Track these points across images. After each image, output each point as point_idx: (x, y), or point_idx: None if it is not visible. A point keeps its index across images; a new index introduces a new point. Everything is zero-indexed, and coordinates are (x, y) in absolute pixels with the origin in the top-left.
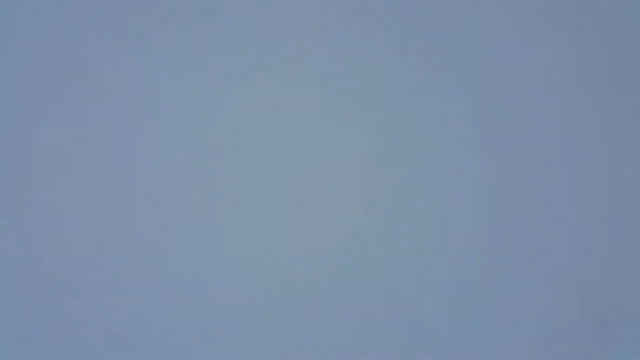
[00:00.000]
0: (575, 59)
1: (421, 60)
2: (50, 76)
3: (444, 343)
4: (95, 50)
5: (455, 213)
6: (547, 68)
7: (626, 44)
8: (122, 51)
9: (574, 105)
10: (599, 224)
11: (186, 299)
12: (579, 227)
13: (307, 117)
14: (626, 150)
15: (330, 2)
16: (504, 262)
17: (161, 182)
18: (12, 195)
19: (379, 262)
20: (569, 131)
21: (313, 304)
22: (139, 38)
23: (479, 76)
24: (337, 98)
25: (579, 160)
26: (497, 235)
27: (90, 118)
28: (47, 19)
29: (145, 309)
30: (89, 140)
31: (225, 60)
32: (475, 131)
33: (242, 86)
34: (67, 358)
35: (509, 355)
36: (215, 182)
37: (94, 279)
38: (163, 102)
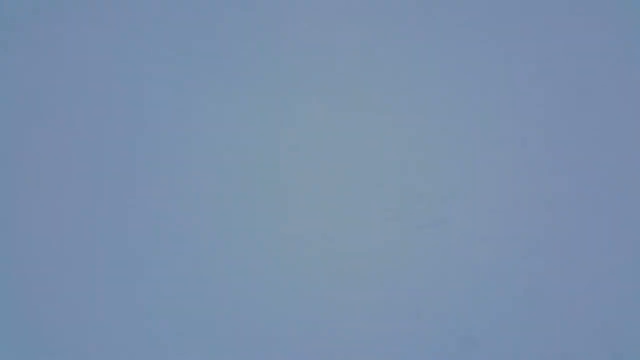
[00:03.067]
0: (582, 59)
1: (434, 60)
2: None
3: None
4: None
5: (465, 216)
6: (558, 68)
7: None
8: (123, 51)
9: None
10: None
11: (190, 301)
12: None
13: (313, 117)
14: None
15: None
16: (507, 267)
17: (163, 183)
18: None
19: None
20: (580, 135)
21: (321, 306)
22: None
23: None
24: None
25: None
26: (503, 238)
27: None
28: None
29: (149, 308)
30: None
31: (226, 59)
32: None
33: (244, 86)
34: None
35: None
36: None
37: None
38: (165, 104)
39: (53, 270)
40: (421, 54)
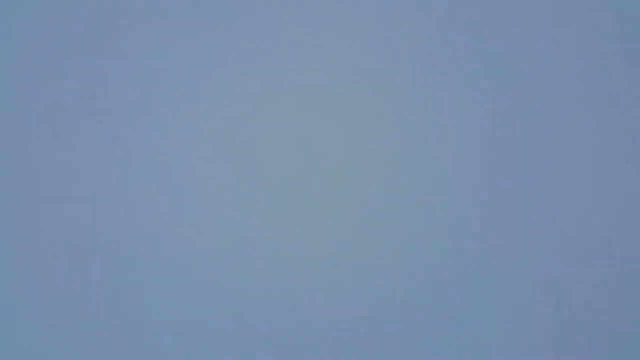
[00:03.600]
0: (580, 59)
1: (427, 60)
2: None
3: (440, 342)
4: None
5: (455, 212)
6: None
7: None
8: (122, 50)
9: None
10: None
11: (185, 301)
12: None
13: (308, 115)
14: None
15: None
16: (501, 263)
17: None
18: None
19: (380, 261)
20: (574, 134)
21: (315, 303)
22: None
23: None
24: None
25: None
26: (494, 236)
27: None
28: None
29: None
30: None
31: (225, 58)
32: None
33: (242, 84)
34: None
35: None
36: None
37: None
38: (163, 101)
39: (53, 270)
40: (420, 56)
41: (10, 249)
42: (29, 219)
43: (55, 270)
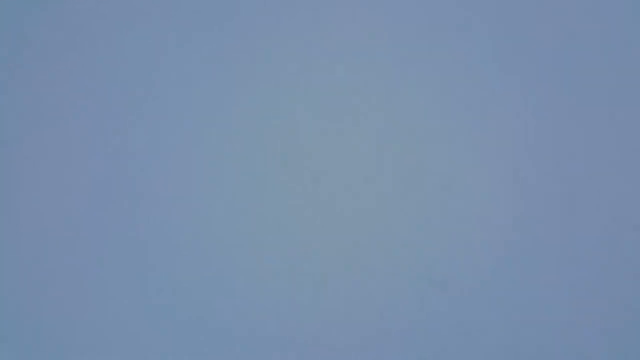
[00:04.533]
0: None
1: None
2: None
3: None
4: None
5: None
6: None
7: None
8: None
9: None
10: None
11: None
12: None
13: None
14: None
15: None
16: (513, 264)
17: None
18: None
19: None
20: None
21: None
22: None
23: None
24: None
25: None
26: (504, 234)
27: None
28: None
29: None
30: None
31: (226, 56)
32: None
33: (241, 83)
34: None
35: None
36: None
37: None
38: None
39: (54, 270)
40: (421, 57)
41: (10, 248)
42: (30, 218)
43: (57, 268)
